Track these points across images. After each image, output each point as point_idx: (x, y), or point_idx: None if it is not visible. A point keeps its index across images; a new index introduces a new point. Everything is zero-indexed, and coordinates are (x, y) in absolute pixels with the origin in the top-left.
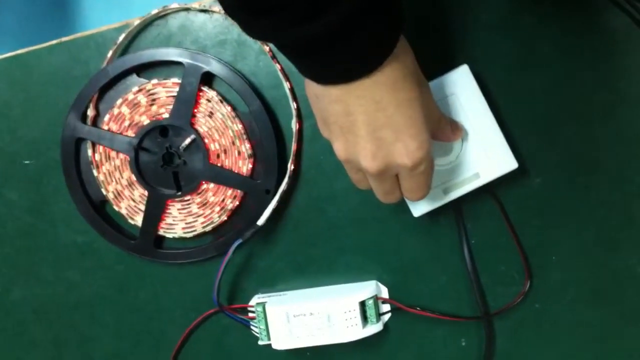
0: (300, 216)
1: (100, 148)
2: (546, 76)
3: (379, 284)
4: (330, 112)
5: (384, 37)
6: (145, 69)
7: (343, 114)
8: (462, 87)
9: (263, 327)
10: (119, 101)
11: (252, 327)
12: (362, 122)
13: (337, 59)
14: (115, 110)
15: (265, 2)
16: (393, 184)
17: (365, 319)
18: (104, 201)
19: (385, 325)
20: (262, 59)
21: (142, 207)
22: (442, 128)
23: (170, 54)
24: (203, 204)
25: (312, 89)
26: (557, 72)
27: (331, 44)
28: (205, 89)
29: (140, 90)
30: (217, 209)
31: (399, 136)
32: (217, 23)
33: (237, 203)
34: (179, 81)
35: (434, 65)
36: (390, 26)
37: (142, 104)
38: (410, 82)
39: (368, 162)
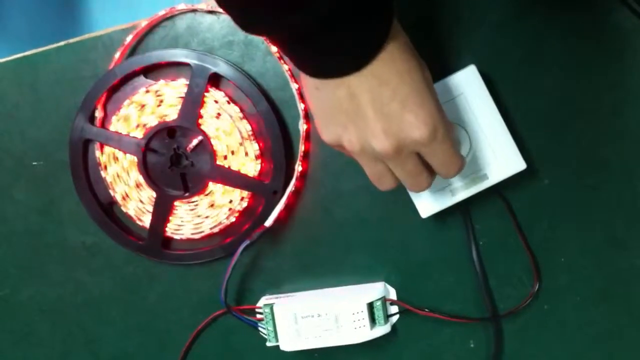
0: (307, 217)
1: (108, 149)
2: (554, 76)
3: (387, 285)
4: (335, 100)
5: (379, 20)
6: (153, 70)
7: (347, 98)
8: (469, 88)
9: (271, 328)
10: (127, 102)
11: (259, 329)
12: (367, 102)
13: (333, 53)
14: (123, 112)
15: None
16: (417, 164)
17: (373, 320)
18: (112, 202)
19: (393, 326)
20: (269, 60)
21: (150, 209)
22: None
23: (178, 55)
24: (211, 205)
25: (311, 82)
26: (565, 71)
27: (324, 39)
28: (212, 90)
29: (147, 92)
30: (225, 210)
31: (406, 107)
32: (224, 24)
33: (245, 204)
34: (187, 82)
35: (440, 65)
36: (384, 9)
37: (150, 105)
38: (407, 53)
39: (381, 141)
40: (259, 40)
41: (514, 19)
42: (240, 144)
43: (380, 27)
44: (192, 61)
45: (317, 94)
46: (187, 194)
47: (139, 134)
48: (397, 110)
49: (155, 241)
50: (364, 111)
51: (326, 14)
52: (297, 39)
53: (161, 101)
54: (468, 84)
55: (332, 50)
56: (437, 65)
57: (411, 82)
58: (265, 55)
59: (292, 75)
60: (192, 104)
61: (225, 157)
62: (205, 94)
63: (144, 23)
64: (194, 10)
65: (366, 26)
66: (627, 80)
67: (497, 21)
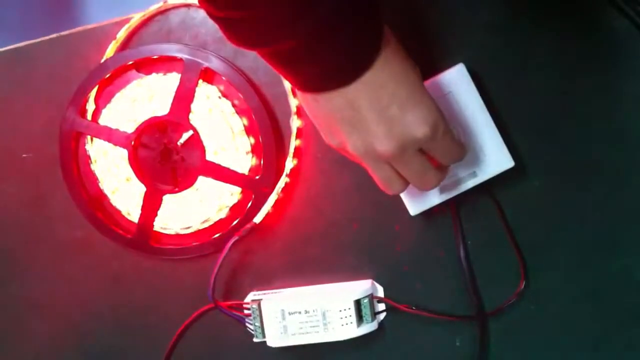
0: (297, 214)
1: (99, 142)
2: (544, 76)
3: (375, 283)
4: (334, 109)
5: (372, 29)
6: (145, 64)
7: (347, 106)
8: (458, 86)
9: (258, 324)
10: (118, 96)
11: (247, 324)
12: (367, 107)
13: (328, 67)
14: (114, 105)
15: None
16: (423, 161)
17: (360, 317)
18: (101, 196)
19: (380, 324)
20: None
21: (140, 203)
22: None
23: (170, 49)
24: (200, 201)
25: (308, 95)
26: (555, 72)
27: (318, 54)
28: (204, 85)
29: (139, 86)
30: (215, 205)
31: (406, 108)
32: None
33: (235, 200)
34: (179, 77)
35: (431, 64)
36: (375, 17)
37: (141, 99)
38: (400, 55)
39: (386, 144)
40: None
41: (504, 18)
42: (231, 140)
43: (373, 35)
44: (184, 56)
45: (316, 105)
46: (176, 189)
47: (129, 127)
48: (398, 113)
49: (144, 236)
50: (364, 117)
51: (320, 29)
52: (292, 56)
53: (152, 95)
54: (457, 83)
55: (326, 64)
56: (426, 63)
57: (407, 83)
58: None
59: None
60: (184, 98)
61: (216, 153)
62: (197, 89)
63: (137, 17)
64: (188, 5)
65: (360, 36)
66: (617, 82)
67: (486, 20)
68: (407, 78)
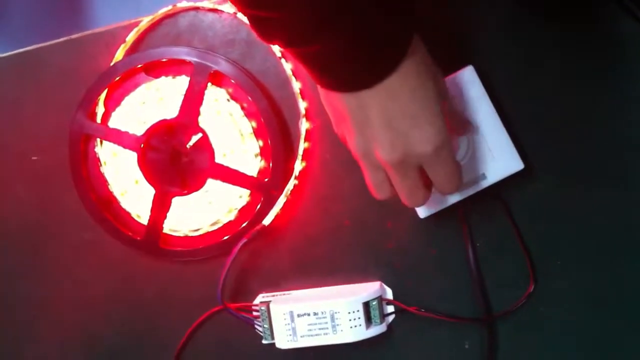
0: (305, 216)
1: (108, 145)
2: (553, 78)
3: (384, 285)
4: (346, 107)
5: (399, 42)
6: (154, 67)
7: (357, 108)
8: (467, 88)
9: (267, 326)
10: (127, 99)
11: (256, 326)
12: (376, 113)
13: (347, 71)
14: (123, 108)
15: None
16: (416, 179)
17: (369, 319)
18: (111, 198)
19: (389, 326)
20: (270, 58)
21: (149, 205)
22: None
23: (179, 52)
24: (209, 203)
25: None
26: (564, 73)
27: (342, 58)
28: (213, 87)
29: (148, 89)
30: (223, 207)
31: (415, 123)
32: (226, 22)
33: (244, 202)
34: (187, 80)
35: (440, 67)
36: (404, 26)
37: (150, 101)
38: (422, 70)
39: (387, 152)
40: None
41: (513, 20)
42: (240, 142)
43: (396, 48)
44: (193, 59)
45: (329, 97)
46: (185, 191)
47: (139, 130)
48: (406, 126)
49: (154, 238)
50: (372, 122)
51: (346, 38)
52: (310, 57)
53: (161, 98)
54: (466, 85)
55: (340, 71)
56: None
57: (422, 99)
58: (266, 54)
59: (295, 74)
60: (193, 101)
61: (225, 155)
62: (206, 91)
63: (146, 20)
64: (196, 8)
65: (382, 48)
66: (626, 85)
67: (496, 22)
68: (422, 94)
